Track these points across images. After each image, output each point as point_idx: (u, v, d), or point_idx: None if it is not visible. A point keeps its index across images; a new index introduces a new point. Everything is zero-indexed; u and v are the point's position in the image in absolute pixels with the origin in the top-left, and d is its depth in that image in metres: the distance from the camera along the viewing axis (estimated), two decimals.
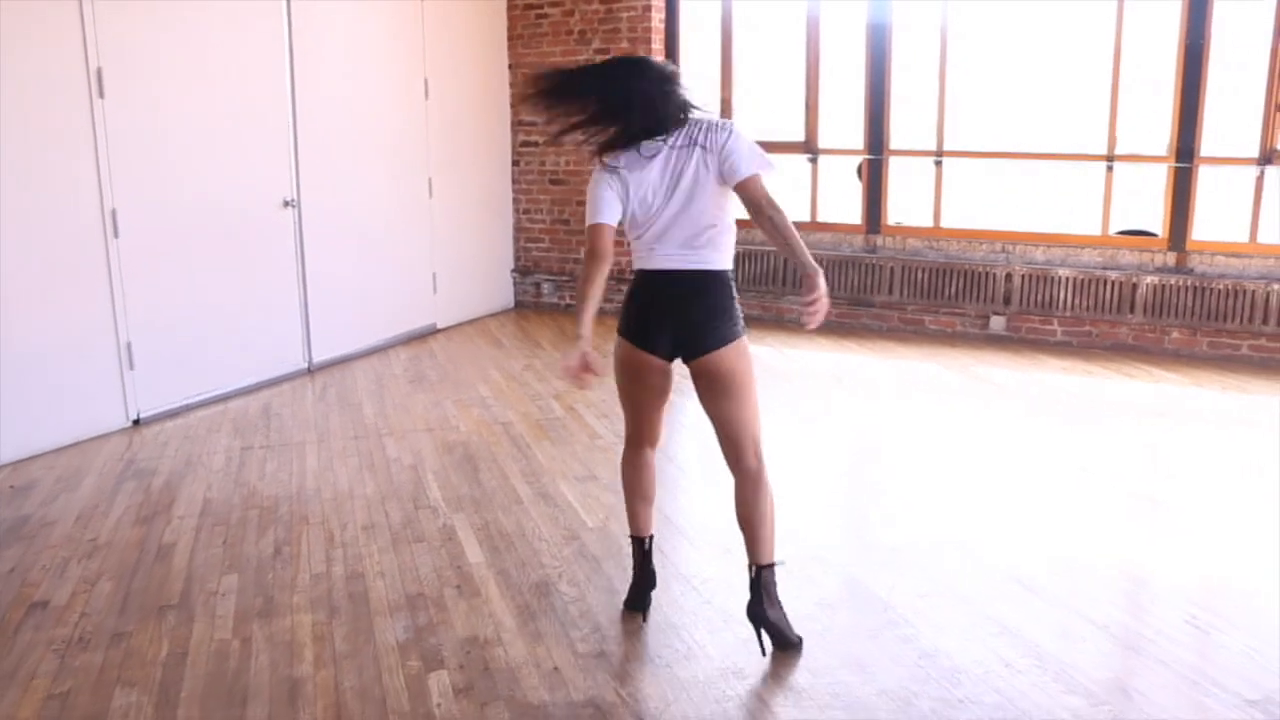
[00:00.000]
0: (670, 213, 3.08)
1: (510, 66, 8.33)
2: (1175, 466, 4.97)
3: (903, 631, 3.37)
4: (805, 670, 3.13)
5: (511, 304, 8.75)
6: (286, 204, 6.43)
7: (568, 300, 8.53)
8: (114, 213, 5.38)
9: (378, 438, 5.37)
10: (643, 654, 3.26)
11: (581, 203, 8.27)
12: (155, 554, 4.00)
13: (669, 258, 3.11)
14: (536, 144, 8.36)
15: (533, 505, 4.45)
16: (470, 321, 8.20)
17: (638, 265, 3.18)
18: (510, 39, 8.28)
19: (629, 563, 3.57)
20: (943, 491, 4.65)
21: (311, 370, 6.71)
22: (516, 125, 8.44)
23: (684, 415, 5.28)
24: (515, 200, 8.60)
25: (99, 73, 5.23)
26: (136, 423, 5.62)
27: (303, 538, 4.13)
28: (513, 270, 8.72)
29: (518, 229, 8.66)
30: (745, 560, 3.25)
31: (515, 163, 8.52)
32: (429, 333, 7.77)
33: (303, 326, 6.64)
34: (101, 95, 5.26)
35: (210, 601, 3.60)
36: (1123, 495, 4.61)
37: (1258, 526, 4.22)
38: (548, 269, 8.61)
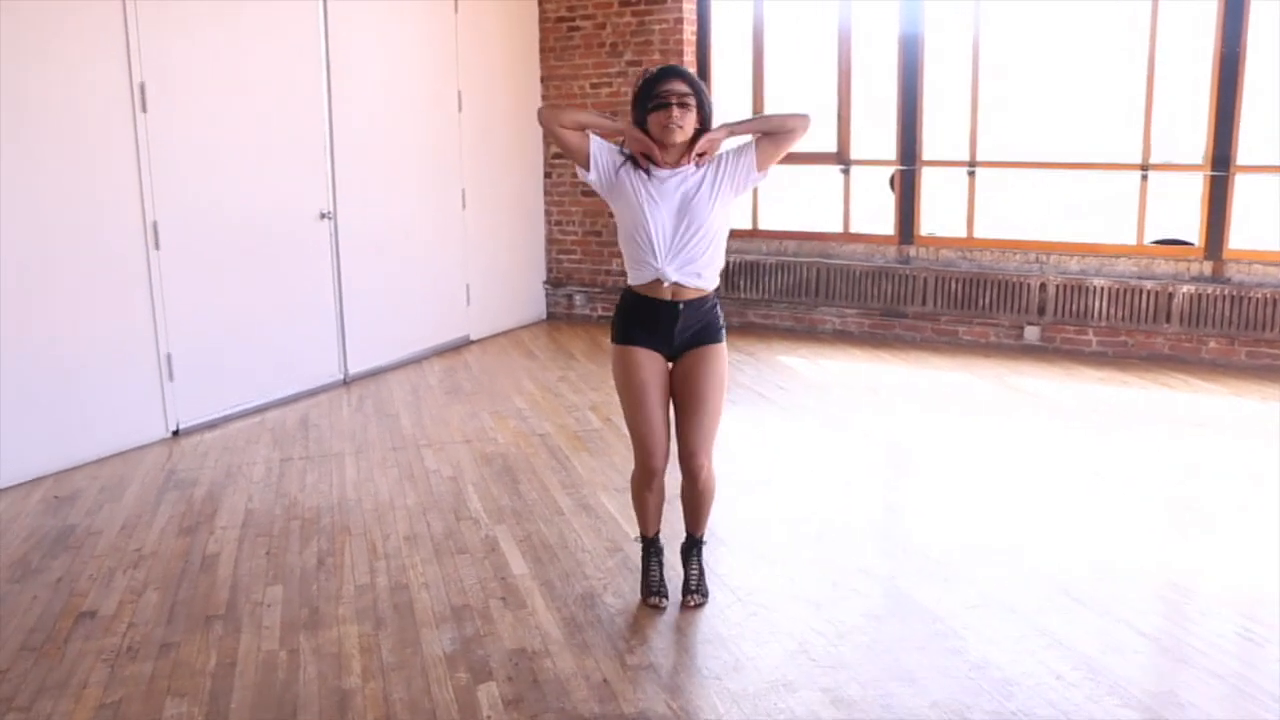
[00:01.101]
0: None
1: (542, 79, 8.36)
2: (1217, 477, 4.91)
3: (951, 643, 3.35)
4: (855, 682, 3.11)
5: (544, 315, 8.77)
6: (323, 216, 6.47)
7: (600, 311, 8.54)
8: (155, 225, 5.42)
9: (416, 449, 5.38)
10: (691, 666, 3.25)
11: (612, 215, 8.29)
12: (200, 564, 4.02)
13: None
14: None
15: (574, 516, 4.44)
16: (503, 333, 8.22)
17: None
18: (543, 51, 8.31)
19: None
20: (983, 501, 4.62)
21: (347, 381, 6.74)
22: (548, 137, 8.46)
23: None
24: (547, 212, 8.63)
25: (142, 87, 5.29)
26: (176, 433, 5.65)
27: (345, 548, 4.14)
28: (545, 282, 8.74)
29: (550, 240, 8.68)
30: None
31: (547, 174, 8.55)
32: (463, 344, 7.79)
33: (339, 338, 6.67)
34: (144, 109, 5.31)
35: (256, 612, 3.61)
36: (1165, 506, 4.57)
37: None
38: (580, 280, 8.63)
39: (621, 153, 3.40)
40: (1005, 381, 6.63)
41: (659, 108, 3.27)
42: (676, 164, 3.36)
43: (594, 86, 8.20)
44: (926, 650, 3.31)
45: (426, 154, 7.35)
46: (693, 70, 7.91)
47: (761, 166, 3.36)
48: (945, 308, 7.63)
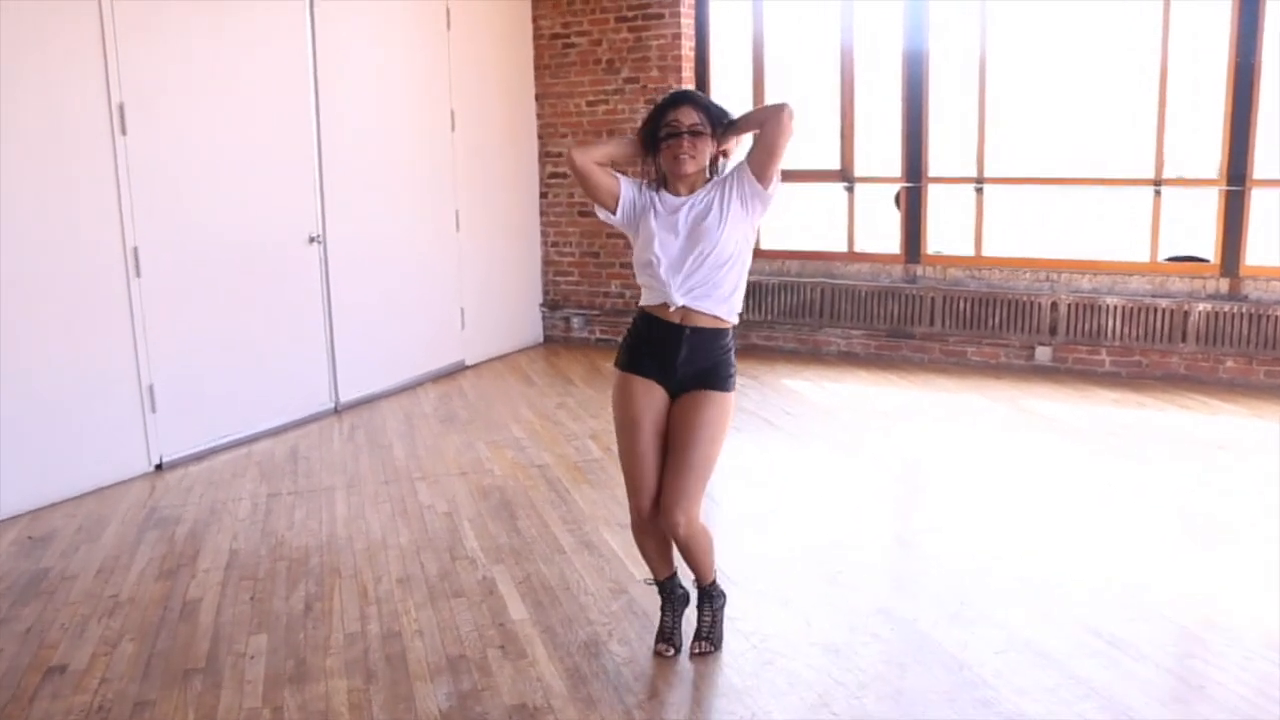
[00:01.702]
0: None
1: (537, 97, 8.17)
2: (1247, 504, 4.70)
3: (981, 694, 3.12)
4: None
5: (541, 339, 8.55)
6: (312, 240, 6.26)
7: (598, 334, 8.33)
8: (135, 251, 5.21)
9: (410, 482, 5.16)
10: None
11: (612, 236, 8.12)
12: (180, 611, 3.79)
13: None
14: (565, 175, 8.20)
15: (576, 555, 4.22)
16: (499, 358, 8.00)
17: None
18: (537, 69, 8.13)
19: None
20: (1001, 532, 4.40)
21: (339, 410, 6.52)
22: (544, 156, 8.28)
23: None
24: (543, 233, 8.43)
25: (121, 108, 5.08)
26: (159, 467, 5.43)
27: (335, 592, 3.91)
28: (541, 304, 8.53)
29: (546, 262, 8.48)
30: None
31: (543, 194, 8.35)
32: (458, 369, 7.57)
33: (329, 365, 6.46)
34: (124, 131, 5.10)
35: (239, 665, 3.38)
36: (1194, 536, 4.35)
37: None
38: (577, 303, 8.42)
39: (645, 188, 3.25)
40: (1018, 404, 6.42)
41: (670, 136, 3.12)
42: (691, 190, 3.20)
43: (590, 104, 8.01)
44: (956, 702, 3.09)
45: (419, 174, 7.14)
46: (692, 87, 7.80)
47: (759, 176, 3.15)
48: (953, 328, 7.42)
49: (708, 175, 3.25)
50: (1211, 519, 4.53)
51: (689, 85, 7.82)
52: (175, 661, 3.41)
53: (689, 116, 3.13)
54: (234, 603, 3.85)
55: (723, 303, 3.20)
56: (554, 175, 8.26)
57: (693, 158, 3.14)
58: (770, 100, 7.80)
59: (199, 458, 5.59)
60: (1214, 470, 5.17)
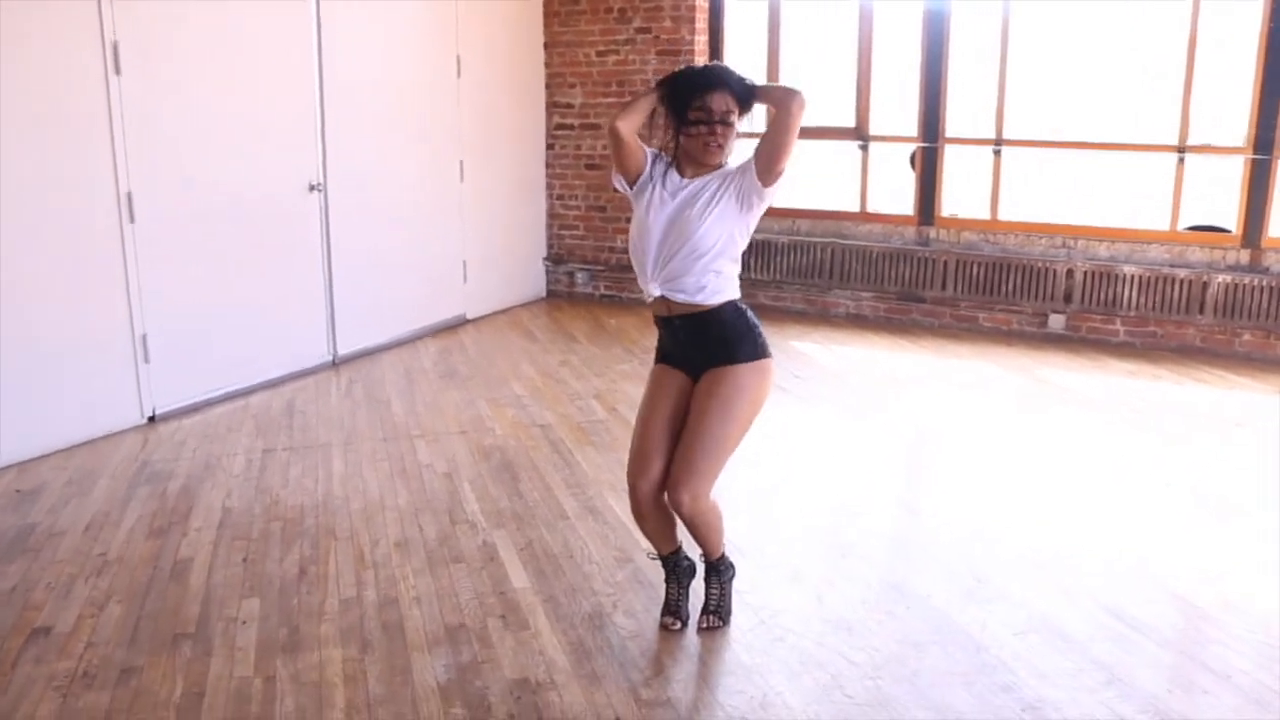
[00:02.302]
0: None
1: (545, 45, 7.94)
2: (1262, 481, 4.57)
3: (1001, 678, 3.01)
4: None
5: (544, 294, 8.39)
6: (312, 188, 6.08)
7: (603, 290, 8.16)
8: (129, 197, 5.04)
9: (409, 440, 5.03)
10: (712, 701, 2.91)
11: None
12: (170, 572, 3.66)
13: None
14: (573, 126, 7.99)
15: (579, 521, 4.09)
16: (501, 312, 7.83)
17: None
18: (546, 16, 7.88)
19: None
20: (1016, 505, 4.28)
21: (336, 363, 6.37)
22: (551, 107, 8.06)
23: None
24: (549, 185, 8.23)
25: (115, 47, 4.88)
26: (152, 419, 5.29)
27: (330, 555, 3.79)
28: (545, 258, 8.35)
29: (551, 215, 8.29)
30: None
31: (550, 146, 8.14)
32: (459, 323, 7.41)
33: (328, 317, 6.30)
34: (118, 71, 4.91)
35: (230, 630, 3.26)
36: (1213, 513, 4.23)
37: None
38: (582, 258, 8.24)
39: (658, 162, 3.12)
40: (1031, 373, 6.28)
41: (700, 123, 2.97)
42: (695, 175, 3.07)
43: (600, 54, 7.78)
44: (974, 686, 2.97)
45: (423, 123, 6.94)
46: (705, 44, 7.56)
47: (764, 173, 2.96)
48: (966, 293, 7.26)
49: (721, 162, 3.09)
50: (1226, 496, 4.40)
51: (703, 37, 7.60)
52: (164, 626, 3.29)
53: (721, 103, 2.97)
54: (226, 564, 3.72)
55: (699, 291, 3.04)
56: (560, 126, 8.05)
57: (721, 147, 3.02)
58: (785, 70, 7.61)
59: (193, 410, 5.45)
60: (1230, 445, 5.05)
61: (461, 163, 7.26)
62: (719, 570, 3.33)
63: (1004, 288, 7.15)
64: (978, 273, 7.20)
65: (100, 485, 4.46)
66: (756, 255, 7.78)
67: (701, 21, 7.56)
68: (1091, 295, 6.95)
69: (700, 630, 3.27)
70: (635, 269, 3.16)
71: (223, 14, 5.42)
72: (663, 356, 3.22)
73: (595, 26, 7.75)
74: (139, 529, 4.02)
